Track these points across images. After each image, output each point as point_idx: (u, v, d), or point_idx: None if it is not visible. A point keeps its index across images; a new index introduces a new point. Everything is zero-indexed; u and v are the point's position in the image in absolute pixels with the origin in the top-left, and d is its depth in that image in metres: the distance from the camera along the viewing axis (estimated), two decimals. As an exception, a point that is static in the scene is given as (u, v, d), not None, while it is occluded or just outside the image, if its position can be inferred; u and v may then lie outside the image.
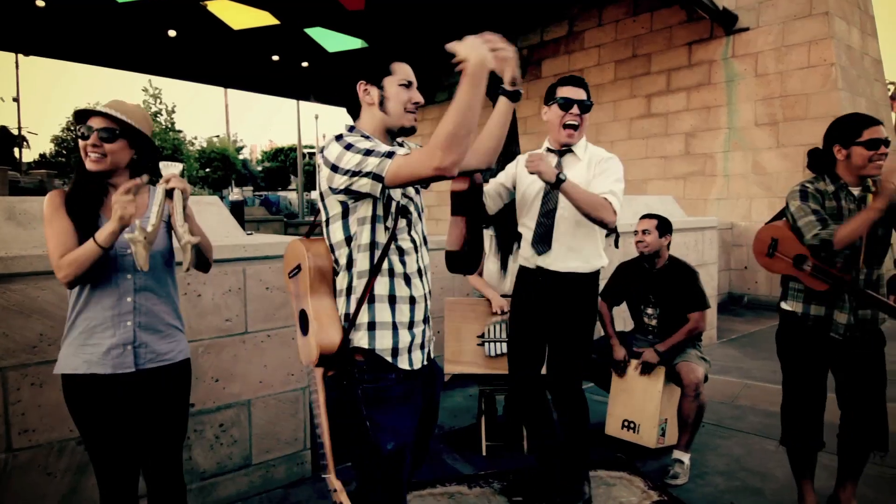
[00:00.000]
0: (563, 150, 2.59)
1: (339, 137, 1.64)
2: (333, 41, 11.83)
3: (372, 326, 1.65)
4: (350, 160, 1.57)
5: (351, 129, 1.74)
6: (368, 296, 1.65)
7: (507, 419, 3.61)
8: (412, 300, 1.71)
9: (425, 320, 1.78)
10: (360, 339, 1.65)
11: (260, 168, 38.21)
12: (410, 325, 1.71)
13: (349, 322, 1.65)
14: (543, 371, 2.68)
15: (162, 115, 21.98)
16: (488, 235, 3.51)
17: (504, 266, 3.47)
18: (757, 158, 8.39)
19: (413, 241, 1.74)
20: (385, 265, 1.67)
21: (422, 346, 1.75)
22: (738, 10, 8.50)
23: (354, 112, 1.80)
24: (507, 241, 3.47)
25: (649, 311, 3.43)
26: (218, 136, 29.74)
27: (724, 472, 3.14)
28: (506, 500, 2.57)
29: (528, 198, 2.62)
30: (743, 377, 4.85)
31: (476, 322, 3.38)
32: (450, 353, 3.37)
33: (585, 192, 2.37)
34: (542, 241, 2.54)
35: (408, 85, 1.78)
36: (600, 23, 10.41)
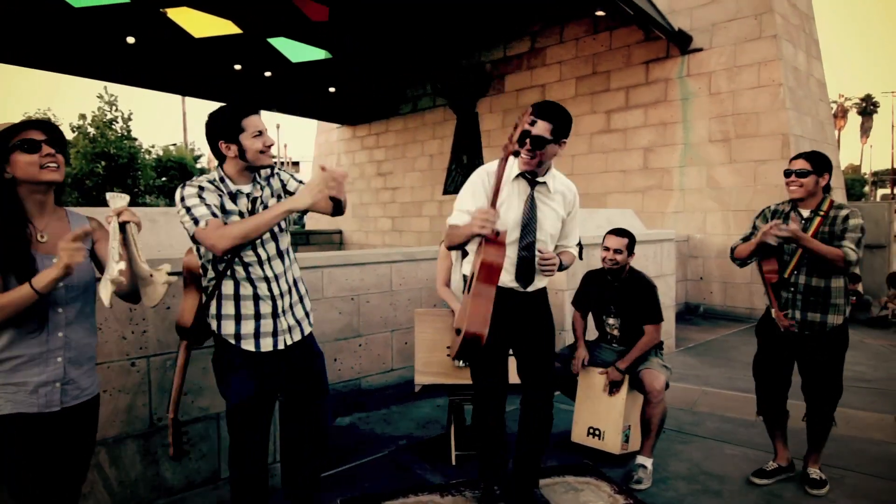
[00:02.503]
0: (537, 183, 2.54)
1: (183, 186, 2.14)
2: (297, 52, 11.76)
3: (219, 317, 2.19)
4: (180, 210, 2.10)
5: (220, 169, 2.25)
6: (217, 294, 2.19)
7: (474, 430, 3.65)
8: (256, 297, 2.20)
9: (276, 314, 2.23)
10: (213, 325, 2.21)
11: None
12: (256, 317, 2.20)
13: (203, 311, 2.23)
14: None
15: (118, 122, 21.38)
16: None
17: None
18: (711, 173, 8.72)
19: (258, 256, 2.20)
20: (230, 272, 2.18)
21: (274, 334, 2.23)
22: (692, 31, 8.85)
23: (220, 159, 2.24)
24: (466, 252, 3.53)
25: (611, 320, 3.54)
26: (175, 145, 29.06)
27: (686, 476, 3.26)
28: (477, 509, 2.61)
29: (505, 223, 2.50)
30: (701, 384, 5.02)
31: (445, 333, 3.43)
32: (420, 364, 3.41)
33: (566, 259, 2.66)
34: (526, 275, 2.55)
35: (259, 134, 2.18)
36: (562, 40, 10.67)
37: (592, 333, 3.75)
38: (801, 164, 2.89)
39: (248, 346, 2.19)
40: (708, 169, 8.74)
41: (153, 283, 1.73)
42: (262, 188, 2.26)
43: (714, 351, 6.38)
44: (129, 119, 21.65)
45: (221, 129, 2.16)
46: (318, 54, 11.81)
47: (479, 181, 2.55)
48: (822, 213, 2.87)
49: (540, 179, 2.55)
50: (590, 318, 3.75)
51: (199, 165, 27.14)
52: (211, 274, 2.20)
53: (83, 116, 21.04)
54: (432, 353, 3.41)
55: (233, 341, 2.19)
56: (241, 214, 2.16)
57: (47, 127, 1.73)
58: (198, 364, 2.73)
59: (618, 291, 3.47)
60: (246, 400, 2.20)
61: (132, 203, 2.52)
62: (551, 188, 2.57)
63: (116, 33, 10.39)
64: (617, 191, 9.88)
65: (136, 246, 1.73)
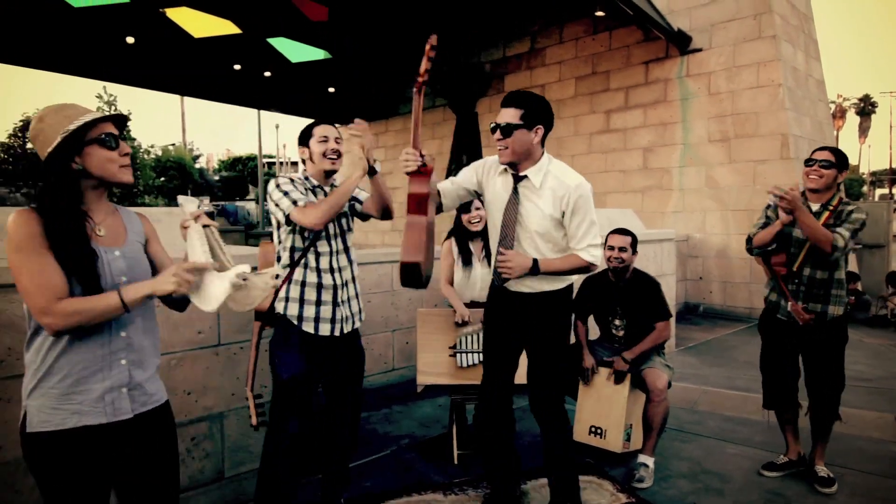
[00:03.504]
0: (519, 178, 2.44)
1: (275, 179, 2.47)
2: (297, 52, 11.77)
3: (286, 300, 2.45)
4: (277, 196, 2.41)
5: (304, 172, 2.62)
6: (287, 279, 2.44)
7: (477, 428, 3.66)
8: (320, 286, 2.46)
9: (336, 303, 2.49)
10: (279, 307, 2.45)
11: (217, 177, 37.53)
12: (318, 303, 2.45)
13: (275, 295, 2.44)
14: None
15: (116, 122, 21.40)
16: (453, 245, 3.59)
17: (470, 271, 3.55)
18: (710, 173, 8.73)
19: (330, 247, 2.49)
20: (304, 261, 2.45)
21: (332, 321, 2.48)
22: (691, 32, 8.87)
23: (304, 162, 2.62)
24: (468, 252, 3.54)
25: (617, 322, 3.55)
26: (174, 145, 29.10)
27: (687, 474, 3.27)
28: (480, 507, 2.62)
29: (493, 217, 2.55)
30: (701, 384, 5.03)
31: (448, 333, 3.44)
32: (422, 364, 3.41)
33: (562, 263, 2.40)
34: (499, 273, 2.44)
35: (324, 140, 2.52)
36: (561, 40, 10.68)
37: (593, 333, 3.76)
38: (826, 155, 2.91)
39: (307, 328, 2.44)
40: (707, 169, 8.76)
41: (246, 287, 1.59)
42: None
43: (714, 350, 6.40)
44: (129, 119, 21.68)
45: (300, 136, 2.57)
46: (317, 54, 11.82)
47: (474, 165, 2.61)
48: (830, 207, 2.91)
49: (523, 173, 2.41)
50: (590, 320, 3.76)
51: (197, 165, 27.16)
52: (285, 261, 2.46)
53: (82, 116, 21.07)
54: (434, 354, 3.42)
55: (295, 322, 2.43)
56: None
57: (119, 121, 1.62)
58: (200, 363, 2.74)
59: (622, 292, 3.48)
60: (297, 375, 2.42)
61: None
62: (537, 183, 2.39)
63: (116, 33, 10.39)
64: (617, 191, 9.89)
65: (221, 249, 1.63)
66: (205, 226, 1.61)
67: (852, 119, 51.23)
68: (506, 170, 2.48)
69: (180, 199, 1.73)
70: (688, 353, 6.30)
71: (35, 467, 1.51)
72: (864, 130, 49.62)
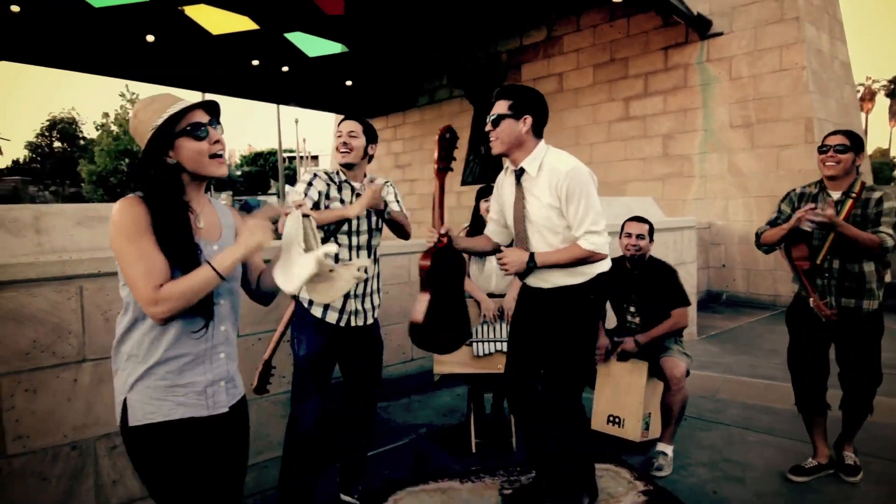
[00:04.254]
0: (518, 172, 2.47)
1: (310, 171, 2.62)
2: (314, 46, 11.83)
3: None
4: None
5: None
6: None
7: (495, 417, 3.67)
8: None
9: (346, 296, 2.56)
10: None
11: (239, 172, 37.93)
12: None
13: None
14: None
15: (139, 120, 21.77)
16: None
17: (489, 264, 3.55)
18: (732, 159, 8.59)
19: (350, 242, 2.60)
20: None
21: (340, 311, 2.58)
22: (711, 16, 8.70)
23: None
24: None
25: (632, 309, 3.52)
26: (196, 142, 29.56)
27: (707, 463, 3.24)
28: (497, 494, 2.63)
29: (510, 223, 2.59)
30: (723, 372, 4.97)
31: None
32: (439, 355, 3.42)
33: (562, 254, 2.37)
34: (524, 271, 2.47)
35: (339, 135, 2.65)
36: (578, 28, 10.56)
37: (611, 321, 3.74)
38: (840, 140, 2.76)
39: (316, 312, 2.56)
40: (729, 155, 8.61)
41: (331, 279, 1.59)
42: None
43: (737, 339, 6.32)
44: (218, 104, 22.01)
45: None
46: (334, 48, 11.86)
47: (494, 189, 2.72)
48: (853, 194, 2.74)
49: (520, 166, 2.44)
50: (609, 307, 3.74)
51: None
52: None
53: (106, 115, 21.44)
54: (451, 343, 3.43)
55: (305, 304, 2.57)
56: (341, 202, 2.59)
57: (212, 108, 1.55)
58: (221, 354, 2.78)
59: (638, 280, 3.45)
60: (313, 353, 2.55)
61: None
62: (533, 173, 2.40)
63: (136, 32, 10.54)
64: (637, 179, 9.78)
65: (315, 238, 1.64)
66: (304, 215, 1.62)
67: (882, 102, 49.88)
68: (509, 171, 2.53)
69: (288, 188, 1.78)
70: (710, 341, 6.23)
71: (140, 459, 1.50)
72: (894, 113, 48.25)
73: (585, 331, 2.51)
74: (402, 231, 2.79)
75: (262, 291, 1.72)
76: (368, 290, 2.68)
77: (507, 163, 2.54)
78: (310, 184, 2.56)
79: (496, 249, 2.69)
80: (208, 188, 1.97)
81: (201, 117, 1.50)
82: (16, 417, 2.27)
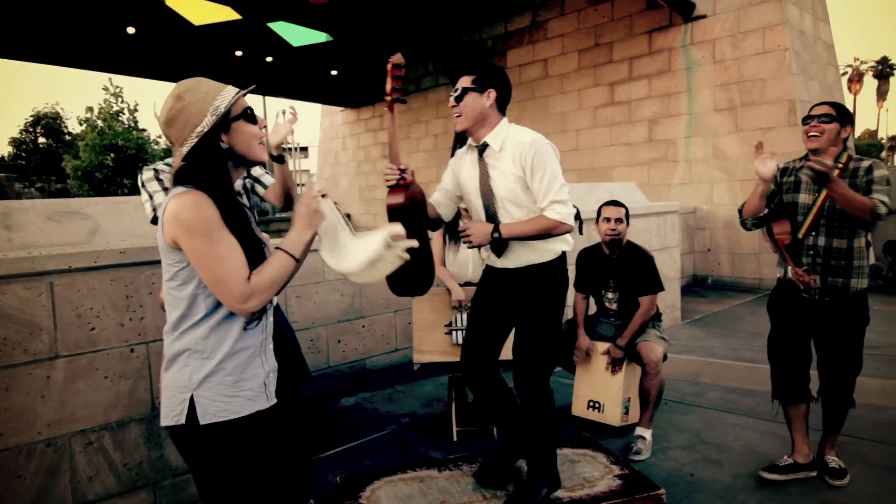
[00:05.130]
0: (481, 147, 2.42)
1: None
2: (298, 35, 11.70)
3: None
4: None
5: None
6: None
7: (477, 405, 3.70)
8: None
9: None
10: None
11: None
12: None
13: None
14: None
15: (124, 114, 21.50)
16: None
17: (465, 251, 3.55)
18: (717, 143, 8.61)
19: None
20: None
21: None
22: (695, -2, 8.69)
23: None
24: (456, 231, 3.54)
25: (609, 294, 3.54)
26: (183, 134, 29.28)
27: (685, 446, 3.28)
28: (473, 482, 2.65)
29: (470, 200, 2.53)
30: (705, 356, 5.02)
31: (443, 311, 3.45)
32: (418, 343, 3.44)
33: (528, 226, 2.33)
34: (497, 246, 2.44)
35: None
36: (563, 12, 10.51)
37: (591, 308, 3.76)
38: (825, 109, 2.62)
39: None
40: (714, 139, 8.63)
41: (382, 260, 1.54)
42: None
43: (720, 322, 6.36)
44: (136, 110, 21.78)
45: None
46: (318, 37, 11.75)
47: (449, 163, 2.64)
48: (840, 164, 2.61)
49: (482, 141, 2.40)
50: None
51: (207, 154, 27.29)
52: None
53: (90, 109, 21.21)
54: (430, 332, 3.44)
55: None
56: None
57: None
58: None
59: (616, 265, 3.46)
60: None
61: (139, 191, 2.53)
62: (497, 147, 2.37)
63: (116, 24, 10.41)
64: (623, 164, 9.79)
65: (348, 225, 1.62)
66: (335, 203, 1.61)
67: (870, 83, 50.04)
68: (471, 148, 2.48)
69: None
70: (694, 325, 6.28)
71: (212, 457, 1.46)
72: (882, 94, 48.44)
73: (553, 312, 2.48)
74: (289, 199, 2.44)
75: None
76: None
77: (471, 141, 2.48)
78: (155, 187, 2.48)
79: (437, 222, 2.62)
80: None
81: (247, 103, 1.51)
82: (-12, 416, 2.27)
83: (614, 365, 3.41)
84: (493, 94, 2.37)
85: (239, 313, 1.40)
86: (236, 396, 1.44)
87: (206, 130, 1.40)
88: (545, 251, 2.41)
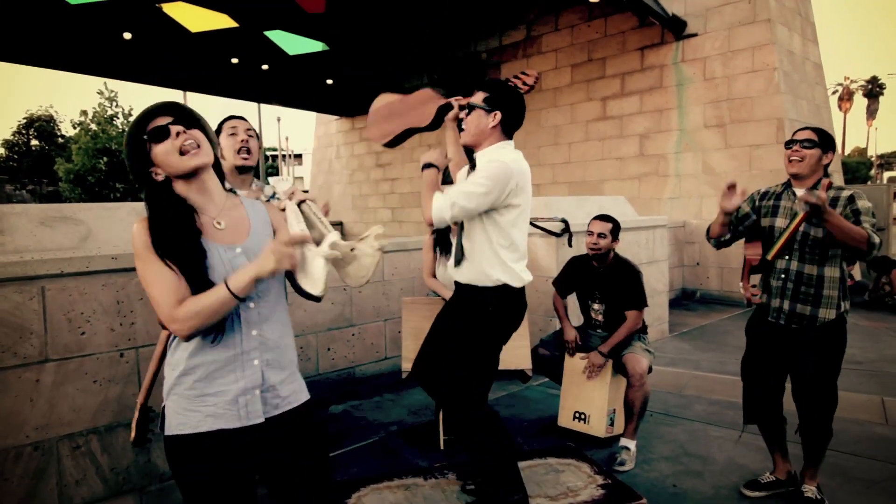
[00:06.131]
0: (473, 163, 2.46)
1: None
2: (294, 44, 11.79)
3: None
4: None
5: None
6: None
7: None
8: None
9: None
10: None
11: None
12: None
13: None
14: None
15: (118, 118, 21.48)
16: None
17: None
18: (706, 159, 8.72)
19: None
20: None
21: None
22: (686, 17, 8.82)
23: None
24: (447, 243, 3.59)
25: (595, 306, 3.59)
26: (177, 140, 29.28)
27: (669, 457, 3.32)
28: (458, 490, 2.67)
29: None
30: (691, 368, 5.07)
31: (432, 321, 3.48)
32: (408, 351, 3.47)
33: (427, 185, 2.36)
34: (456, 253, 2.48)
35: (233, 133, 2.51)
36: (557, 27, 10.65)
37: (577, 319, 3.80)
38: (808, 134, 2.61)
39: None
40: (703, 154, 8.74)
41: (355, 258, 1.54)
42: None
43: (708, 335, 6.43)
44: (130, 115, 21.75)
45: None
46: (314, 46, 11.83)
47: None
48: (821, 186, 2.47)
49: (475, 157, 2.44)
50: (575, 304, 3.81)
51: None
52: None
53: (84, 113, 21.15)
54: (420, 340, 3.45)
55: None
56: None
57: (170, 107, 1.51)
58: (186, 354, 2.79)
59: (602, 277, 3.52)
60: None
61: (134, 197, 2.53)
62: (480, 164, 2.38)
63: (112, 29, 10.44)
64: (613, 178, 9.89)
65: (320, 221, 1.58)
66: (301, 202, 1.58)
67: (860, 101, 50.74)
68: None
69: (272, 180, 1.71)
70: (681, 338, 6.34)
71: (175, 468, 1.49)
72: (871, 112, 49.11)
73: (470, 338, 2.41)
74: None
75: (306, 291, 1.58)
76: None
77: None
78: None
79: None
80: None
81: (162, 121, 1.48)
82: (-24, 418, 2.28)
83: (592, 371, 3.44)
84: (498, 115, 2.38)
85: (175, 334, 1.43)
86: (196, 411, 1.43)
87: (128, 167, 1.52)
88: (485, 277, 2.38)
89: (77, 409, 2.51)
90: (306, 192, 1.58)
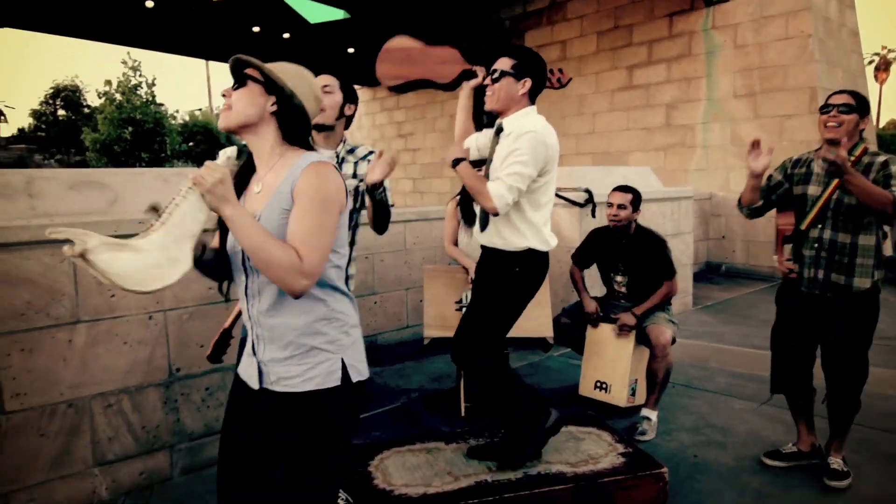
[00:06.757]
0: (499, 128, 2.49)
1: None
2: (315, 12, 11.70)
3: None
4: None
5: None
6: None
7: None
8: None
9: None
10: None
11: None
12: None
13: None
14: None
15: (142, 87, 21.61)
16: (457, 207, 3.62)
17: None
18: (735, 129, 8.51)
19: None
20: None
21: None
22: (718, -19, 8.53)
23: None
24: (471, 213, 3.57)
25: (619, 278, 3.56)
26: (200, 110, 29.35)
27: (690, 428, 3.31)
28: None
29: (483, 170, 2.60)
30: (715, 341, 5.03)
31: (454, 288, 3.50)
32: (429, 318, 3.49)
33: (471, 178, 2.37)
34: (482, 218, 2.55)
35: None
36: (583, -7, 10.38)
37: (598, 291, 3.78)
38: (845, 98, 2.50)
39: None
40: (732, 125, 8.53)
41: (132, 250, 1.28)
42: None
43: (732, 309, 6.36)
44: (153, 84, 21.86)
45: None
46: (336, 14, 11.72)
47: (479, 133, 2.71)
48: (853, 157, 2.49)
49: (500, 122, 2.48)
50: (596, 275, 3.78)
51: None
52: None
53: (108, 82, 21.32)
54: (441, 308, 3.49)
55: None
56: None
57: (231, 65, 1.47)
58: (211, 318, 2.85)
59: (626, 248, 3.48)
60: None
61: (159, 167, 2.53)
62: (508, 130, 2.43)
63: (135, -3, 10.44)
64: (639, 149, 9.72)
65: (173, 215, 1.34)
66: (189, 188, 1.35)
67: (897, 72, 48.83)
68: (497, 128, 2.55)
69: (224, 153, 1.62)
70: (706, 311, 6.28)
71: (355, 413, 1.57)
72: (909, 83, 47.28)
73: (497, 297, 2.51)
74: (383, 221, 2.31)
75: (208, 265, 1.51)
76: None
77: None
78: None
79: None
80: (213, 156, 1.81)
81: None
82: (13, 375, 2.35)
83: (622, 330, 3.42)
84: (528, 83, 2.43)
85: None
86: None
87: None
88: (512, 241, 2.46)
89: (108, 369, 2.58)
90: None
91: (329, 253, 1.40)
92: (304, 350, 1.43)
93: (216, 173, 1.28)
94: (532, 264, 2.49)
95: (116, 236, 1.31)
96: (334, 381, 1.44)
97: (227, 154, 1.52)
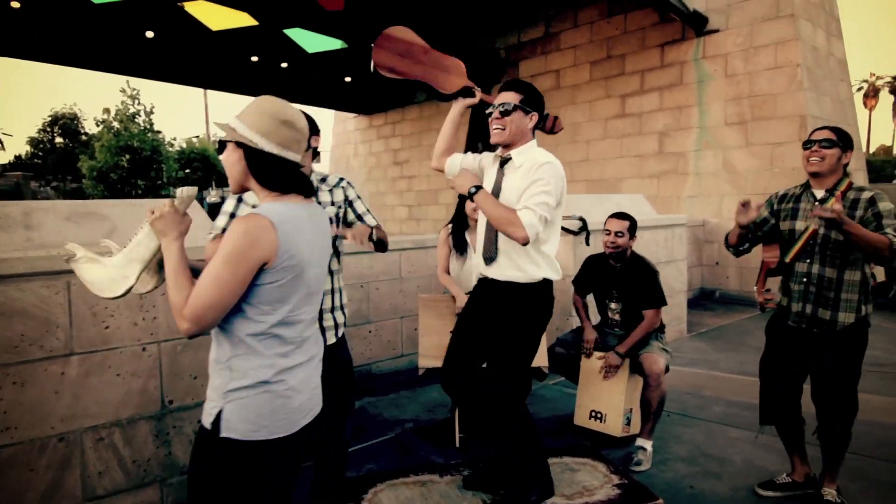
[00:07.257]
0: (505, 159, 2.53)
1: None
2: (313, 42, 11.84)
3: None
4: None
5: None
6: None
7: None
8: None
9: None
10: None
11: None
12: None
13: None
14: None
15: (140, 115, 21.80)
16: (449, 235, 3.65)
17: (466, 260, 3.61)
18: (727, 157, 8.61)
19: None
20: None
21: None
22: (708, 12, 8.71)
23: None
24: (462, 241, 3.60)
25: (613, 305, 3.58)
26: (198, 137, 29.55)
27: (686, 458, 3.29)
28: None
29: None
30: (710, 369, 5.02)
31: (448, 318, 3.50)
32: (423, 348, 3.49)
33: (496, 206, 2.36)
34: (487, 251, 2.53)
35: None
36: (576, 24, 10.58)
37: (595, 318, 3.79)
38: (826, 134, 2.57)
39: None
40: (724, 152, 8.64)
41: (97, 263, 1.62)
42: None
43: (726, 336, 6.36)
44: (152, 112, 22.04)
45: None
46: (333, 44, 11.88)
47: (477, 155, 2.73)
48: (837, 192, 2.54)
49: (507, 155, 2.51)
50: (593, 302, 3.79)
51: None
52: None
53: (107, 110, 21.50)
54: (435, 337, 3.49)
55: None
56: None
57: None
58: (207, 349, 2.83)
59: (620, 276, 3.50)
60: None
61: (155, 195, 2.57)
62: (518, 163, 2.47)
63: (135, 28, 10.59)
64: (632, 176, 9.81)
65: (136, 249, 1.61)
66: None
67: (886, 98, 49.69)
68: (496, 157, 2.60)
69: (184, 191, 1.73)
70: (700, 338, 6.28)
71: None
72: (898, 109, 48.04)
73: (523, 330, 2.52)
74: (381, 247, 2.47)
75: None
76: (329, 305, 2.47)
77: (500, 151, 2.57)
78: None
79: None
80: (210, 183, 1.88)
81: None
82: (4, 409, 2.33)
83: (608, 371, 3.43)
84: (535, 117, 2.52)
85: None
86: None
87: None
88: (527, 273, 2.46)
89: (100, 401, 2.56)
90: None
91: (223, 304, 1.37)
92: (215, 392, 1.47)
93: (158, 211, 1.51)
94: (547, 293, 2.53)
95: None
96: (210, 425, 1.45)
97: (183, 192, 1.59)
